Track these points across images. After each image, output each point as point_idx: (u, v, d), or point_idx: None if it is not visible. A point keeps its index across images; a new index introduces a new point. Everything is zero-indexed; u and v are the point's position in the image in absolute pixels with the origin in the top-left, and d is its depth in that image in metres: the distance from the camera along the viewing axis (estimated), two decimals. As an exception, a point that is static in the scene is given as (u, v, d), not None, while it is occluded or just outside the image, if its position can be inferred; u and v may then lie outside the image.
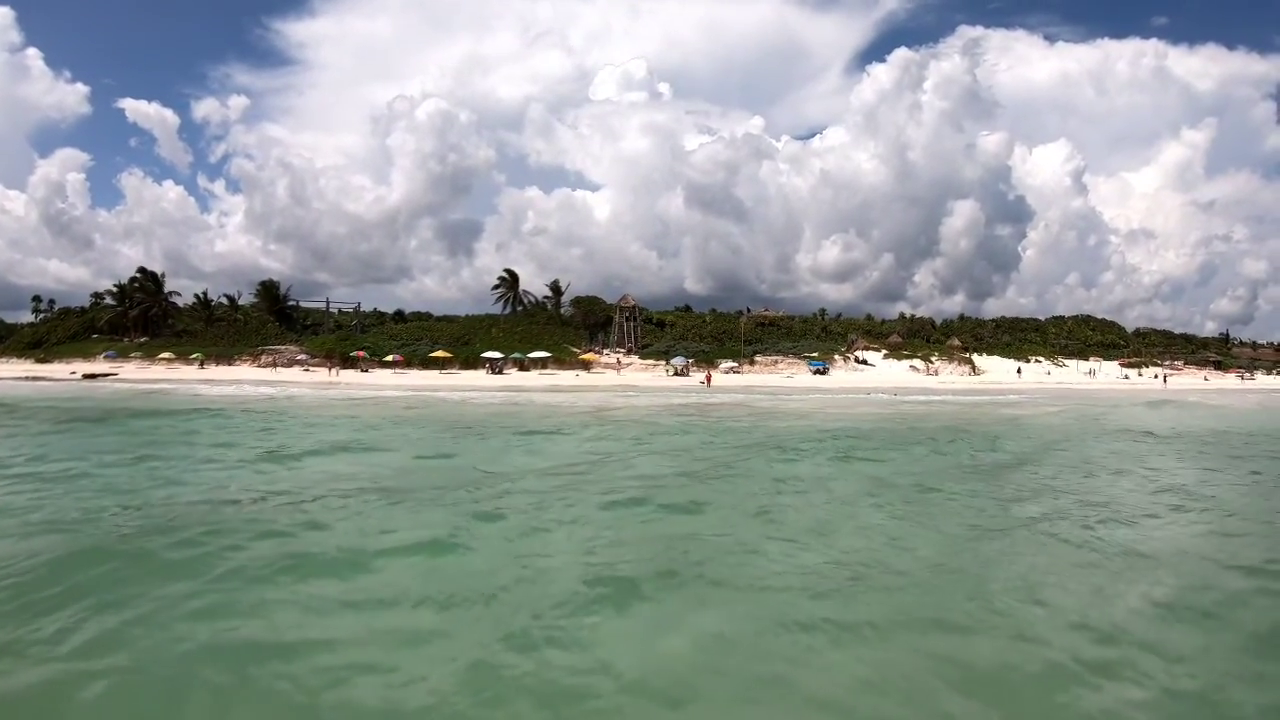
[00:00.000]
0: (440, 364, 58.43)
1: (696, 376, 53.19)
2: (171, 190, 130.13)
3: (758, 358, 62.39)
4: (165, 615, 5.06)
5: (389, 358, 59.80)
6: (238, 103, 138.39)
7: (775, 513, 8.54)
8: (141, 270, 76.86)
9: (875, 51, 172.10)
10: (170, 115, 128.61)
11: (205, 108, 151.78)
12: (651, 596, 5.57)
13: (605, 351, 63.23)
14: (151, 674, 4.31)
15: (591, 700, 4.07)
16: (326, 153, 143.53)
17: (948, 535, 7.47)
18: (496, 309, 75.99)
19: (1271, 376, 69.90)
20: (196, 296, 78.66)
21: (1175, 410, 29.62)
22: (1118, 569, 6.37)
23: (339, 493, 9.30)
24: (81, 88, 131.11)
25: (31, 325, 79.35)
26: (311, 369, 57.29)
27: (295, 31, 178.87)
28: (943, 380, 56.48)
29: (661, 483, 10.39)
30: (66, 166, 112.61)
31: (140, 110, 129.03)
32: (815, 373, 57.66)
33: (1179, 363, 72.60)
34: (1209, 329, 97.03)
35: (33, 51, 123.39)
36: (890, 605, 5.44)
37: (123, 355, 63.81)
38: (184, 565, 6.13)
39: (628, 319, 66.25)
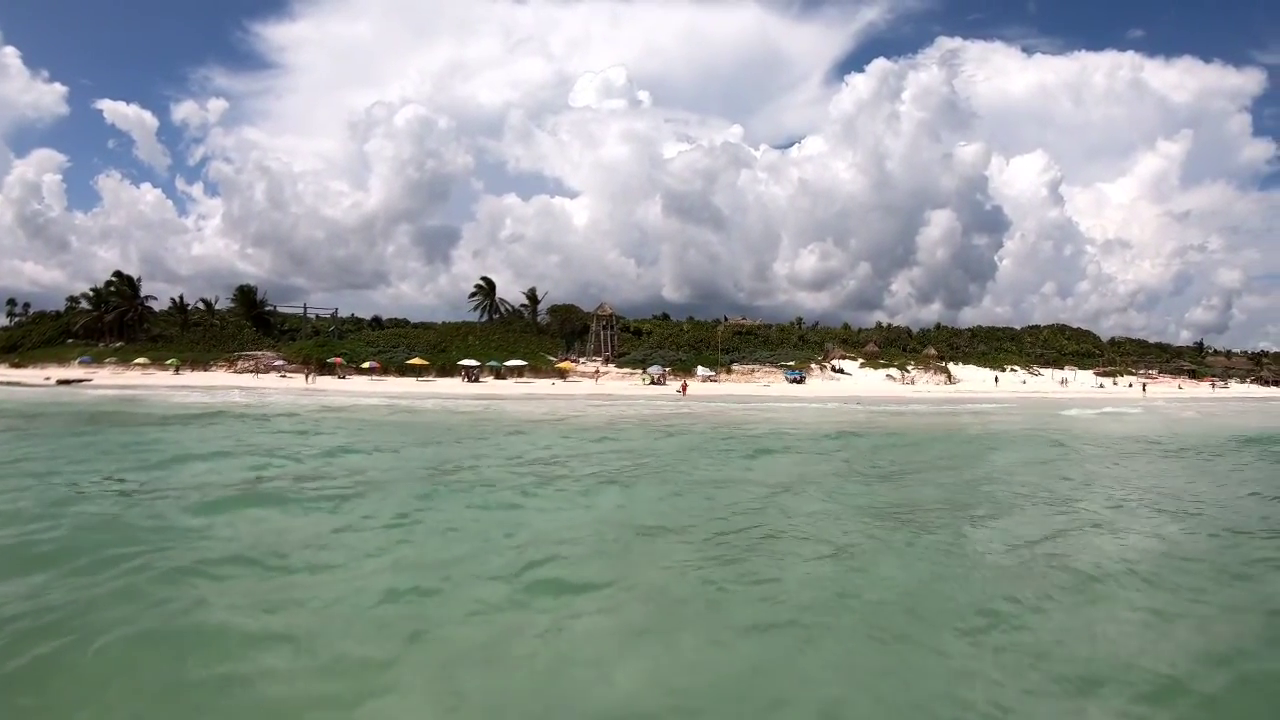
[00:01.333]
0: (417, 371, 58.44)
1: (673, 385, 53.45)
2: (149, 193, 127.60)
3: (734, 366, 62.76)
4: (92, 612, 5.33)
5: (366, 364, 59.68)
6: (216, 105, 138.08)
7: (688, 516, 8.89)
8: (118, 274, 75.70)
9: (854, 62, 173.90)
10: (149, 117, 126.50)
11: (184, 110, 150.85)
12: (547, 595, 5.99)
13: (582, 360, 63.38)
14: (75, 667, 4.56)
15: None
16: (305, 157, 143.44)
17: (829, 544, 7.80)
18: (473, 316, 76.00)
19: (1245, 385, 70.99)
20: (173, 300, 77.54)
21: (1125, 418, 30.42)
22: (975, 578, 6.69)
23: (284, 500, 9.54)
24: (59, 88, 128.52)
25: (5, 329, 78.49)
26: (288, 375, 57.09)
27: (275, 35, 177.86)
28: (918, 389, 57.04)
29: (597, 490, 10.81)
30: (43, 167, 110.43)
31: (118, 111, 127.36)
32: (791, 382, 58.04)
33: (1153, 371, 73.65)
34: (1184, 338, 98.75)
35: (10, 50, 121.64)
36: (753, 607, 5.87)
37: (98, 360, 63.35)
38: (118, 564, 6.37)
39: (605, 327, 66.48)
